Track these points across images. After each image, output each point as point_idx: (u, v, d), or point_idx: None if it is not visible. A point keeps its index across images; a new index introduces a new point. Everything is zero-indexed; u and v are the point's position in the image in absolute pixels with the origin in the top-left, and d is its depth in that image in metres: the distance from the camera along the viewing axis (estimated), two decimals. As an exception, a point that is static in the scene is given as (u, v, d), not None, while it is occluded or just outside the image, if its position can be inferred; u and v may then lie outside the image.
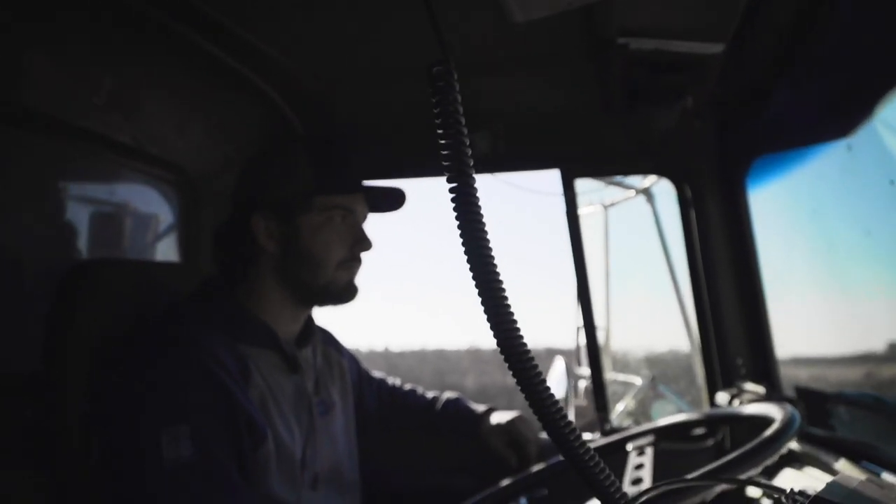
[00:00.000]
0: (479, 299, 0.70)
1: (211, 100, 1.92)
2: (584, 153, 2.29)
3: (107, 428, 1.29)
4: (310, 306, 1.68)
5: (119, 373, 1.32)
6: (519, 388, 0.71)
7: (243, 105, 1.99)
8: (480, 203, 0.72)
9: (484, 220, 0.72)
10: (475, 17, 1.56)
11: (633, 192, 3.48)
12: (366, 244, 1.63)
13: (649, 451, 1.64)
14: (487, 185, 2.40)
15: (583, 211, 2.34)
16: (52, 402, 1.35)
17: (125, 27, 1.52)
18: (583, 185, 2.35)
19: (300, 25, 1.62)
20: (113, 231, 1.87)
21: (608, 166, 2.43)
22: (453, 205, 0.72)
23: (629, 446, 1.69)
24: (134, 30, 1.54)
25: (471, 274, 0.71)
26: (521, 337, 0.71)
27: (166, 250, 2.11)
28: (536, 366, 0.71)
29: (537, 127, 2.25)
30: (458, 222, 0.71)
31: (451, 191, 0.72)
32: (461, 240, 0.71)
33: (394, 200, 1.77)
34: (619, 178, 3.27)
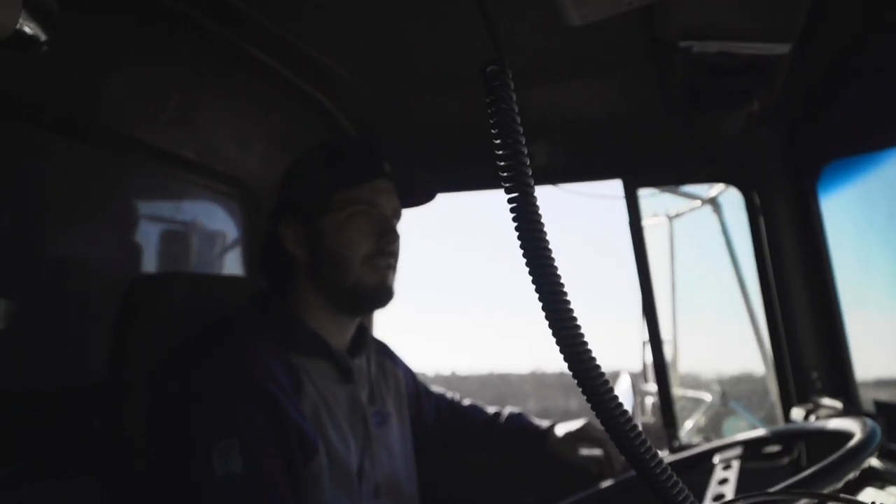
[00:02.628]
0: (544, 316, 0.67)
1: (271, 114, 1.95)
2: (646, 162, 2.25)
3: (159, 441, 1.30)
4: (351, 313, 1.63)
5: (169, 386, 1.34)
6: (589, 404, 0.68)
7: (303, 118, 2.01)
8: (541, 214, 0.68)
9: (546, 233, 0.68)
10: (528, 22, 1.54)
11: (698, 203, 3.40)
12: (391, 237, 1.58)
13: (735, 464, 1.57)
14: (546, 192, 2.37)
15: (647, 222, 2.29)
16: (113, 413, 1.37)
17: (188, 43, 1.55)
18: (646, 195, 2.29)
19: (357, 37, 1.63)
20: (178, 245, 1.91)
21: (672, 175, 2.37)
22: (512, 216, 0.68)
23: (715, 458, 1.63)
24: (197, 46, 1.57)
25: (534, 290, 0.67)
26: (590, 351, 0.67)
27: (230, 264, 2.14)
28: (607, 381, 0.68)
29: (596, 135, 2.21)
30: (517, 235, 0.68)
31: (509, 201, 0.68)
32: (523, 254, 0.68)
33: (425, 192, 1.75)
34: (683, 188, 3.20)
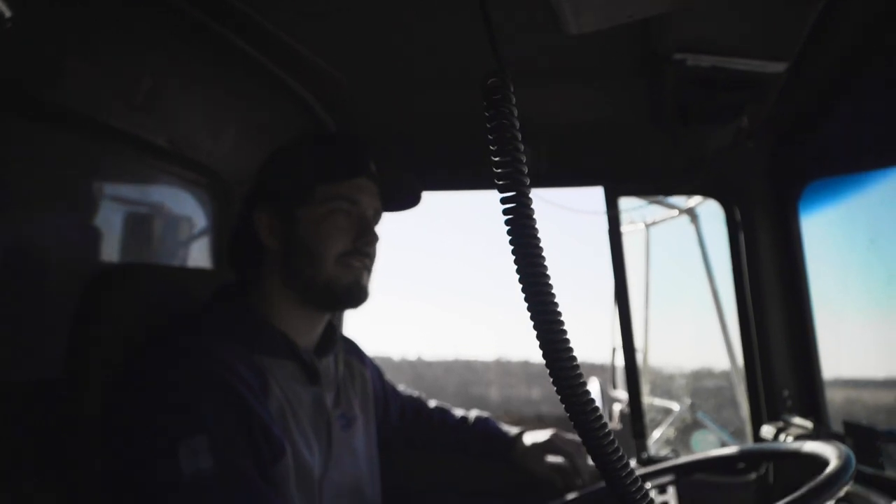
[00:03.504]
0: (532, 320, 0.68)
1: (247, 103, 1.89)
2: (629, 171, 2.23)
3: (120, 443, 1.24)
4: (320, 310, 1.58)
5: (130, 386, 1.28)
6: (565, 409, 0.68)
7: (280, 109, 1.95)
8: (538, 230, 0.68)
9: (542, 249, 0.68)
10: (524, 27, 1.50)
11: (676, 212, 3.40)
12: (370, 237, 1.53)
13: (671, 489, 1.58)
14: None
15: (624, 229, 2.27)
16: (70, 411, 1.31)
17: (163, 26, 1.49)
18: (625, 202, 2.28)
19: (339, 28, 1.58)
20: (145, 235, 1.84)
21: (654, 185, 2.35)
22: (508, 221, 0.68)
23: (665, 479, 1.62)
24: (171, 29, 1.51)
25: (524, 296, 0.68)
26: (573, 357, 0.68)
27: (199, 256, 2.08)
28: (588, 391, 0.68)
29: (582, 142, 2.19)
30: (512, 249, 0.68)
31: (505, 211, 0.68)
32: (515, 258, 0.68)
33: (409, 196, 1.71)
34: (662, 196, 3.20)
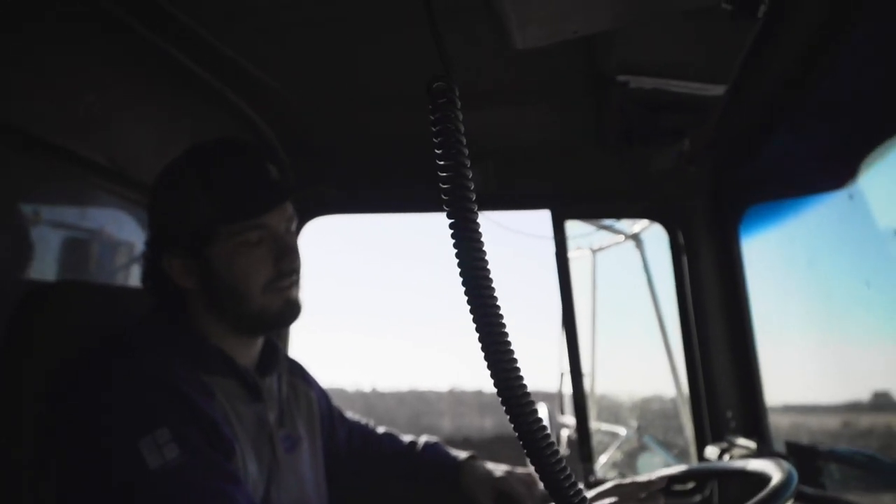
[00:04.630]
0: (480, 344, 0.65)
1: (194, 123, 1.86)
2: (575, 195, 2.25)
3: (74, 460, 1.19)
4: (255, 335, 1.53)
5: (69, 400, 1.23)
6: (518, 437, 0.66)
7: (228, 129, 1.93)
8: (483, 241, 0.66)
9: (487, 261, 0.66)
10: (468, 44, 1.50)
11: (622, 238, 3.45)
12: (290, 257, 1.44)
13: None
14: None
15: (570, 255, 2.29)
16: (3, 437, 1.25)
17: (105, 41, 1.46)
18: (571, 228, 2.30)
19: (287, 46, 1.57)
20: (83, 256, 1.77)
21: (600, 208, 2.38)
22: (454, 241, 0.66)
23: None
24: (115, 45, 1.48)
25: (472, 318, 0.66)
26: (524, 385, 0.66)
27: (139, 277, 2.01)
28: (539, 417, 0.67)
29: (528, 165, 2.20)
30: (458, 261, 0.66)
31: (450, 226, 0.66)
32: (462, 280, 0.66)
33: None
34: (608, 223, 3.24)
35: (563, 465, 0.68)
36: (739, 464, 1.70)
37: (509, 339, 0.66)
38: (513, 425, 0.66)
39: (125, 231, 1.90)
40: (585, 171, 2.19)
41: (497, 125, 1.96)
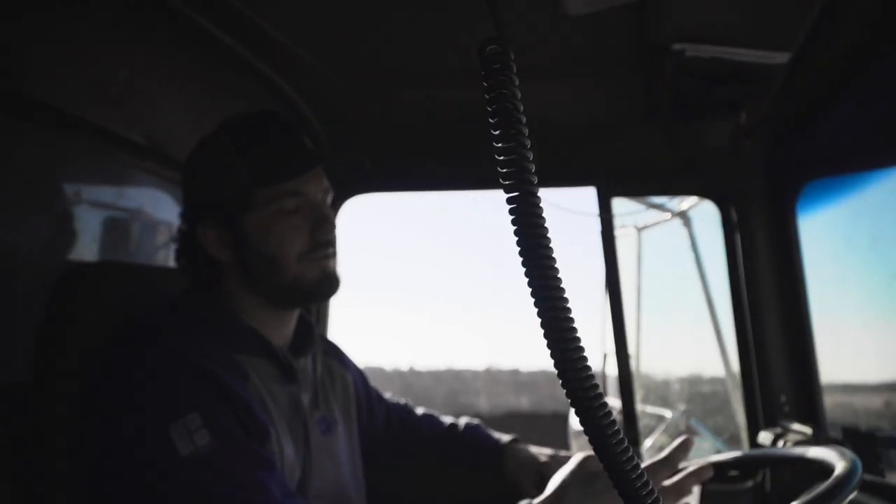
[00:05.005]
0: (543, 334, 0.60)
1: (229, 99, 1.82)
2: (623, 171, 2.18)
3: (105, 442, 1.16)
4: (291, 307, 1.51)
5: (105, 384, 1.21)
6: (583, 427, 0.61)
7: (264, 105, 1.89)
8: (545, 218, 0.60)
9: (550, 239, 0.60)
10: (513, 14, 1.43)
11: (668, 216, 3.35)
12: (326, 227, 1.43)
13: (696, 490, 1.50)
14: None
15: (615, 233, 2.22)
16: (38, 415, 1.24)
17: (138, 16, 1.42)
18: (617, 205, 2.22)
19: (328, 21, 1.52)
20: (119, 236, 1.75)
21: (649, 185, 2.30)
22: (514, 220, 0.60)
23: None
24: (147, 20, 1.44)
25: (534, 303, 0.60)
26: (592, 375, 0.61)
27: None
28: (606, 404, 0.61)
29: (573, 141, 2.13)
30: (517, 240, 0.60)
31: (509, 202, 0.60)
32: (522, 262, 0.60)
33: (356, 172, 1.62)
34: (654, 199, 3.16)
35: (630, 453, 0.62)
36: (798, 451, 1.63)
37: (575, 325, 0.61)
38: (574, 410, 0.62)
39: (162, 210, 1.87)
40: (634, 147, 2.11)
41: (540, 100, 1.89)
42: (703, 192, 2.19)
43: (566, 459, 1.85)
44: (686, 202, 3.19)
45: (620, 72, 1.72)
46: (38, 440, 1.23)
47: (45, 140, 1.46)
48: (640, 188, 2.30)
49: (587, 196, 2.20)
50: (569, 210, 2.21)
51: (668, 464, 1.26)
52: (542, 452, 1.87)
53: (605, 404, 0.61)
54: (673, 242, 3.45)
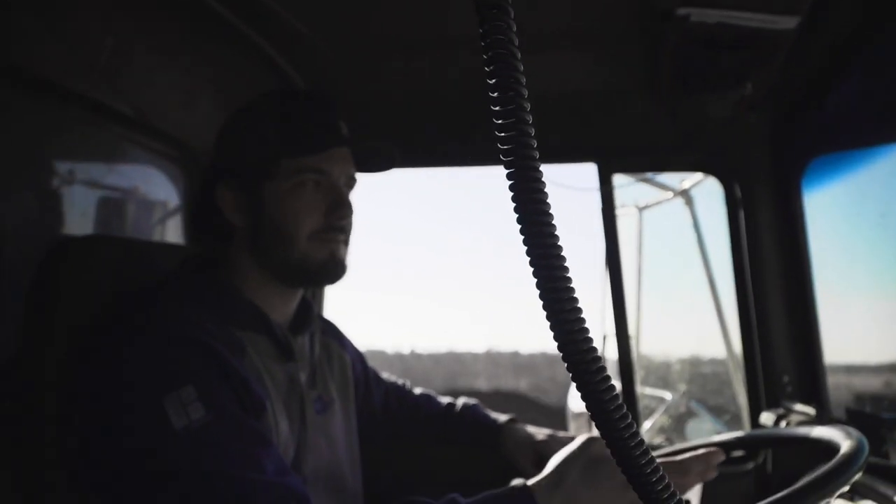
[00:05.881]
0: (546, 316, 0.57)
1: (221, 71, 1.77)
2: (623, 147, 2.13)
3: (99, 415, 1.14)
4: (295, 286, 1.49)
5: (98, 357, 1.18)
6: (588, 410, 0.59)
7: (257, 77, 1.84)
8: (546, 190, 0.57)
9: (552, 214, 0.57)
10: None
11: (670, 195, 3.30)
12: (344, 211, 1.42)
13: (696, 488, 1.48)
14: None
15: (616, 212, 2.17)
16: (27, 393, 1.20)
17: None
18: (617, 182, 2.17)
19: None
20: (109, 209, 1.71)
21: (650, 162, 2.25)
22: (513, 195, 0.56)
23: None
24: None
25: (536, 282, 0.57)
26: (591, 339, 0.58)
27: (167, 231, 1.95)
28: (613, 387, 0.59)
29: (573, 115, 2.09)
30: (516, 212, 0.56)
31: (509, 176, 0.56)
32: (524, 239, 0.57)
33: (382, 162, 1.59)
34: (655, 178, 3.11)
35: (634, 429, 0.59)
36: (803, 430, 1.60)
37: (578, 299, 0.57)
38: (581, 394, 0.59)
39: (152, 185, 1.84)
40: (635, 121, 2.06)
41: (538, 72, 1.83)
42: (706, 168, 2.14)
43: (564, 440, 1.82)
44: (688, 180, 3.14)
45: (622, 42, 1.67)
46: (27, 415, 1.20)
47: (28, 109, 1.42)
48: (641, 164, 2.25)
49: (587, 174, 2.16)
50: (568, 187, 2.17)
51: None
52: (539, 431, 1.85)
53: (608, 377, 0.58)
54: (675, 222, 3.41)
